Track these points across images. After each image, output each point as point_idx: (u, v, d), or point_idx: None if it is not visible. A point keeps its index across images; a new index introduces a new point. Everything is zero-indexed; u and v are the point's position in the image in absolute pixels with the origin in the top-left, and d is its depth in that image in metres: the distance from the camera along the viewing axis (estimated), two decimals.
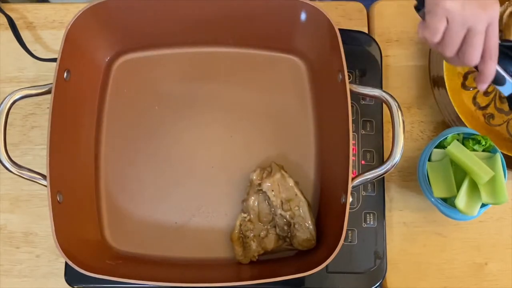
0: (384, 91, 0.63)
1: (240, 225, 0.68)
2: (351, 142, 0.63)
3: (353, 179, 0.61)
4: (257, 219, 0.68)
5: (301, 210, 0.66)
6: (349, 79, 0.64)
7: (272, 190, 0.66)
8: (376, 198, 0.72)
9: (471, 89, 0.76)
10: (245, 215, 0.68)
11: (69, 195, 0.64)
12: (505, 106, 0.75)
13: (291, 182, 0.67)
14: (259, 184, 0.67)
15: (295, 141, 0.73)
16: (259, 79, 0.75)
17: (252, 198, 0.68)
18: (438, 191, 0.65)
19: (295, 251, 0.69)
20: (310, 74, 0.75)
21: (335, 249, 0.59)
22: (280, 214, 0.67)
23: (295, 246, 0.67)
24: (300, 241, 0.66)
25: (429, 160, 0.67)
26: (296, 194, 0.67)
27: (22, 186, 0.73)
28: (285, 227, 0.67)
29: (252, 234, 0.67)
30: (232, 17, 0.71)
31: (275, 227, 0.68)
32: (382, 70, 0.75)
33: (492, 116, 0.75)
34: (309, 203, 0.68)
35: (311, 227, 0.66)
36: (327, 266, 0.61)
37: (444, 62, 0.74)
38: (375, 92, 0.64)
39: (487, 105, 0.75)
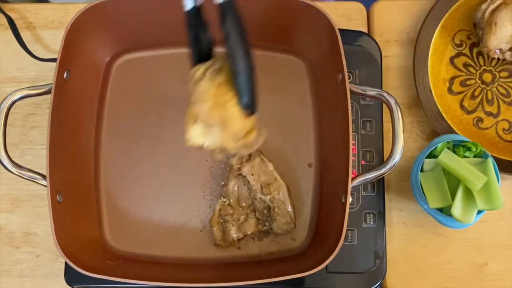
0: (384, 91, 0.63)
1: (220, 209, 0.68)
2: (351, 142, 0.63)
3: (353, 179, 0.61)
4: (237, 203, 0.68)
5: (280, 194, 0.67)
6: (349, 79, 0.64)
7: (252, 174, 0.67)
8: (376, 198, 0.72)
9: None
10: (225, 199, 0.69)
11: (69, 195, 0.64)
12: (493, 109, 0.75)
13: (270, 167, 0.68)
14: (239, 169, 0.68)
15: (295, 141, 0.73)
16: (259, 79, 0.75)
17: (232, 182, 0.68)
18: (433, 201, 0.65)
19: (296, 251, 0.69)
20: (310, 74, 0.75)
21: (335, 249, 0.59)
22: (260, 198, 0.67)
23: (274, 230, 0.68)
24: (279, 224, 0.67)
25: (422, 170, 0.67)
26: (275, 178, 0.68)
27: (22, 186, 0.73)
28: (265, 211, 0.68)
29: (231, 219, 0.67)
30: None
31: (254, 211, 0.68)
32: (382, 70, 0.75)
33: (481, 119, 0.75)
34: (288, 187, 0.68)
35: (290, 210, 0.67)
36: (327, 266, 0.61)
37: (429, 70, 0.74)
38: (375, 92, 0.64)
39: (475, 109, 0.76)
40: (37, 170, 0.63)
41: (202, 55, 0.53)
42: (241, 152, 0.55)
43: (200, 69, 0.52)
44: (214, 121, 0.51)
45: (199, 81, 0.51)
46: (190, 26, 0.52)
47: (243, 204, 0.69)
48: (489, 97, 0.76)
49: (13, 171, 0.62)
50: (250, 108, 0.52)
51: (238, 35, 0.48)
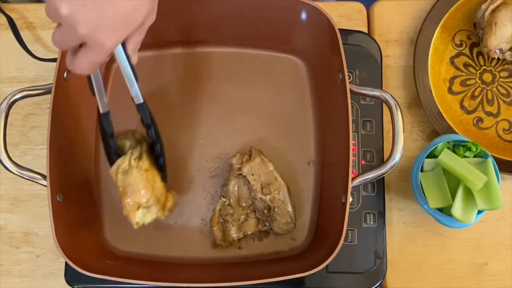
0: (384, 91, 0.63)
1: (220, 209, 0.68)
2: (351, 142, 0.63)
3: (353, 179, 0.61)
4: (237, 203, 0.68)
5: (280, 194, 0.67)
6: (349, 79, 0.64)
7: (252, 174, 0.67)
8: (376, 198, 0.72)
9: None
10: (225, 199, 0.69)
11: (69, 195, 0.64)
12: (493, 109, 0.75)
13: (270, 167, 0.68)
14: (239, 169, 0.68)
15: (295, 141, 0.73)
16: (259, 79, 0.75)
17: (232, 182, 0.69)
18: (433, 201, 0.65)
19: (296, 251, 0.69)
20: (310, 74, 0.75)
21: (335, 249, 0.59)
22: (260, 198, 0.67)
23: (275, 230, 0.68)
24: (280, 224, 0.67)
25: (422, 170, 0.67)
26: (275, 178, 0.68)
27: (22, 186, 0.73)
28: (265, 211, 0.68)
29: (231, 219, 0.68)
30: (232, 17, 0.71)
31: (255, 211, 0.68)
32: (382, 70, 0.75)
33: (481, 119, 0.75)
34: (289, 187, 0.68)
35: (290, 210, 0.67)
36: (327, 266, 0.61)
37: (430, 70, 0.74)
38: (375, 92, 0.64)
39: (475, 109, 0.76)
40: (37, 170, 0.63)
41: (115, 146, 0.62)
42: (168, 215, 0.64)
43: (125, 162, 0.60)
44: (151, 202, 0.60)
45: (128, 171, 0.60)
46: (106, 126, 0.60)
47: (243, 204, 0.69)
48: (489, 97, 0.76)
49: (13, 171, 0.62)
50: (166, 179, 0.64)
51: (154, 127, 0.60)
